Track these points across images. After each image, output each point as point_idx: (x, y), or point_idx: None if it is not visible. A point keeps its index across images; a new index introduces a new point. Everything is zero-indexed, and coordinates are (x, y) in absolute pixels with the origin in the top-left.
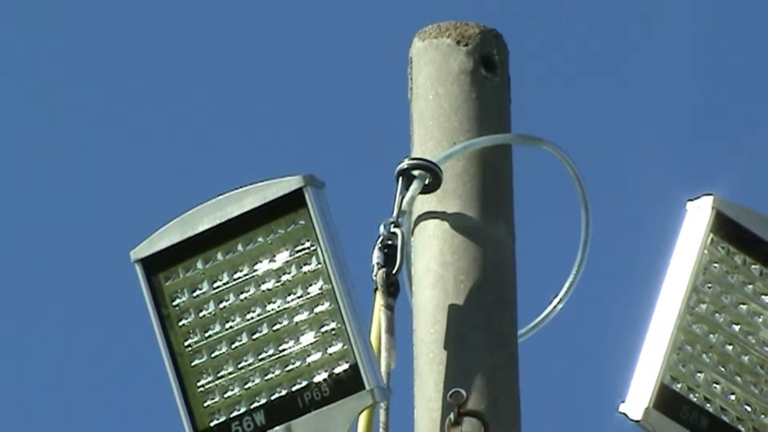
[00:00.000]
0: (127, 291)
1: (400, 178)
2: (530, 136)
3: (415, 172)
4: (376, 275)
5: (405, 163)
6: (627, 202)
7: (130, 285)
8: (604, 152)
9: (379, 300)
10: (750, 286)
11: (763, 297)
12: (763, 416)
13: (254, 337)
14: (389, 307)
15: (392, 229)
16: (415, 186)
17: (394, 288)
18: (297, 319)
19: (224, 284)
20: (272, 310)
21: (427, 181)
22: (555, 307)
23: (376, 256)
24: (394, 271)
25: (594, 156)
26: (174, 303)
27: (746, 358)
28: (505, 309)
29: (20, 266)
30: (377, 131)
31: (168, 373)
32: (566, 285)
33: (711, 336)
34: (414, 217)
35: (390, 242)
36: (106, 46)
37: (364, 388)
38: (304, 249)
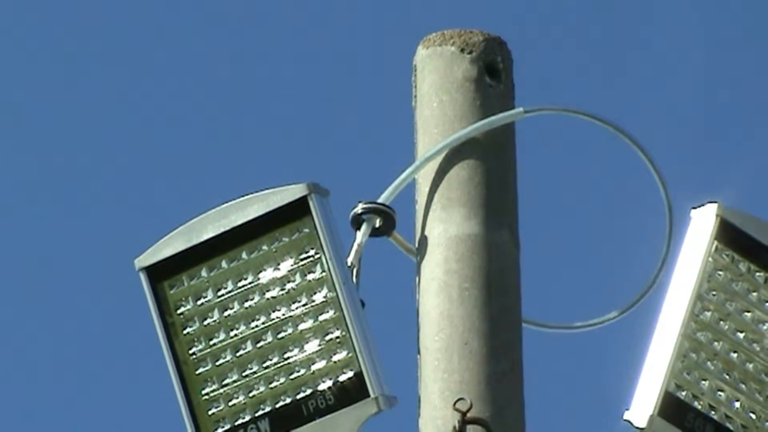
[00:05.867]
0: (132, 299)
1: (356, 224)
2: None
3: (364, 217)
4: None
5: (359, 208)
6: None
7: (134, 293)
8: (607, 159)
9: None
10: (754, 294)
11: (767, 304)
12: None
13: (259, 345)
14: None
15: None
16: (363, 230)
17: None
18: (301, 327)
19: (228, 292)
20: (277, 318)
21: (377, 224)
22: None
23: None
24: None
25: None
26: (178, 311)
27: (751, 365)
28: (509, 316)
29: (24, 275)
30: (381, 139)
31: (172, 381)
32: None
33: (716, 343)
34: (419, 225)
35: None
36: (111, 51)
37: (368, 395)
38: (308, 257)
